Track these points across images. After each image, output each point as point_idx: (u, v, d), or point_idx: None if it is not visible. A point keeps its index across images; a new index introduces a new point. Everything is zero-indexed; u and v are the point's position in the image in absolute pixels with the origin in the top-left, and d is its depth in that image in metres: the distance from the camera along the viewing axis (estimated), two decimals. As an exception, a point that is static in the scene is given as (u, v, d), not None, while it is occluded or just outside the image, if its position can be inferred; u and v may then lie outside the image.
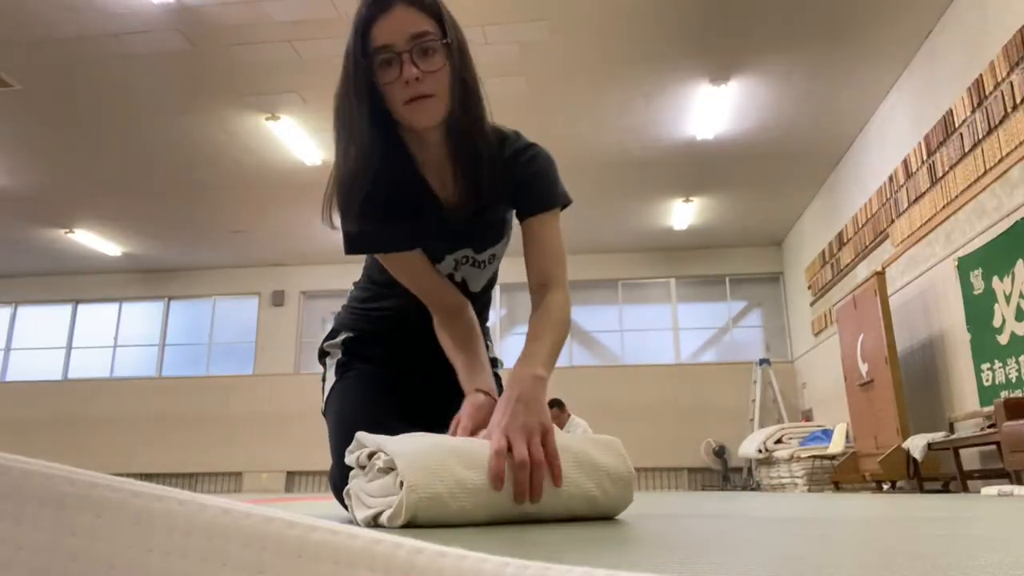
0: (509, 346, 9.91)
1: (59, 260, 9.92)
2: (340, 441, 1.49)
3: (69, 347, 10.62)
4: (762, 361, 9.15)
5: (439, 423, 1.46)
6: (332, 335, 1.73)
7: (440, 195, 1.40)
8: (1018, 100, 4.14)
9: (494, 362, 1.73)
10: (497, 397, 1.33)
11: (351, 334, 1.68)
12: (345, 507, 1.42)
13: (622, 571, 0.24)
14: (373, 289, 1.68)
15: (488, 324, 1.81)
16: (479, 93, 1.32)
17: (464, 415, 1.29)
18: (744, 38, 5.28)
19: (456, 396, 1.56)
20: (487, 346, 1.73)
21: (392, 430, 1.29)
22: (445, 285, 1.47)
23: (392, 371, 1.64)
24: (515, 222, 1.51)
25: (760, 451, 7.14)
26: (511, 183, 1.41)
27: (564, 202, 1.47)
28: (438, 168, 1.38)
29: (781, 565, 0.53)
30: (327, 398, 1.66)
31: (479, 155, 1.33)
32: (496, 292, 10.01)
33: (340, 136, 1.29)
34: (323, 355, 1.74)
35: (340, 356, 1.68)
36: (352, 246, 1.38)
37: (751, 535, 0.74)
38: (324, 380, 1.72)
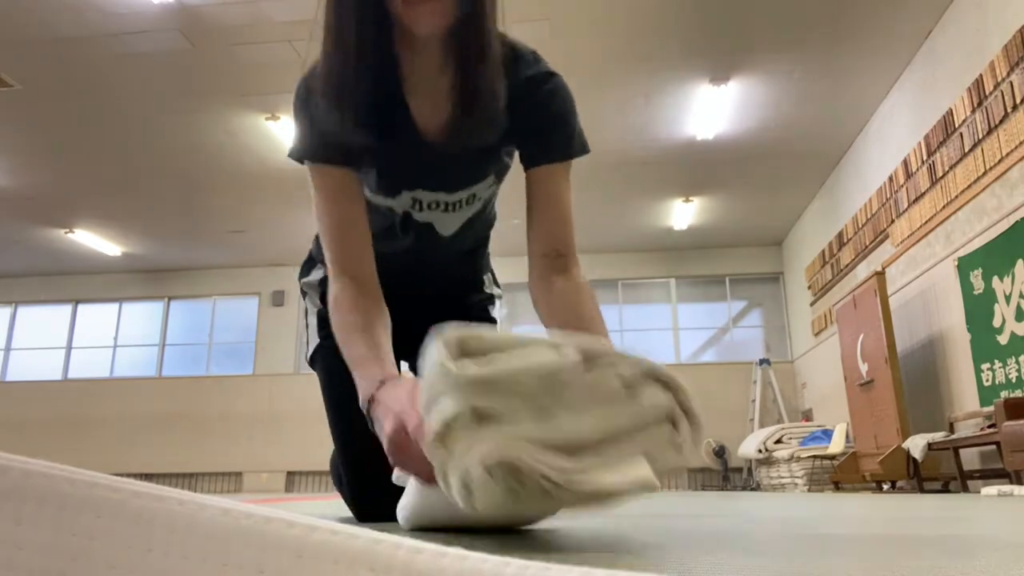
0: (509, 346, 9.92)
1: (59, 260, 9.92)
2: (342, 427, 1.41)
3: (69, 347, 10.62)
4: (762, 361, 9.15)
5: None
6: (307, 267, 1.56)
7: (421, 124, 1.18)
8: (1018, 100, 4.14)
9: (491, 298, 1.59)
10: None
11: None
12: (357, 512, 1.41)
13: (620, 571, 0.24)
14: None
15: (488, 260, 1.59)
16: (485, 21, 1.10)
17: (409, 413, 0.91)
18: (744, 38, 5.28)
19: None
20: (489, 280, 1.59)
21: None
22: (367, 249, 1.18)
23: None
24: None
25: (760, 451, 7.14)
26: (522, 118, 1.17)
27: (584, 151, 1.25)
28: (429, 91, 1.16)
29: (781, 565, 0.53)
30: (312, 354, 1.52)
31: (483, 79, 1.11)
32: (496, 292, 9.82)
33: (324, 34, 1.11)
34: (303, 293, 1.58)
35: (320, 306, 1.50)
36: (300, 149, 1.19)
37: (751, 535, 0.74)
38: (307, 326, 1.55)
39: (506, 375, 0.64)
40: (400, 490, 1.14)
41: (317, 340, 1.49)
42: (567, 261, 1.20)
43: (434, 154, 1.18)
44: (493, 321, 1.57)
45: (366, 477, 1.34)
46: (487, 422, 0.63)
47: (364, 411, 1.02)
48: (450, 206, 1.28)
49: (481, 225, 1.40)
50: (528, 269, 1.22)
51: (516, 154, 1.27)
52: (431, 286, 1.47)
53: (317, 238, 1.50)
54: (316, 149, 1.17)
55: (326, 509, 2.07)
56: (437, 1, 1.02)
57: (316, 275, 1.50)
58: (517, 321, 9.99)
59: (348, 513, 1.48)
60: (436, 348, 0.66)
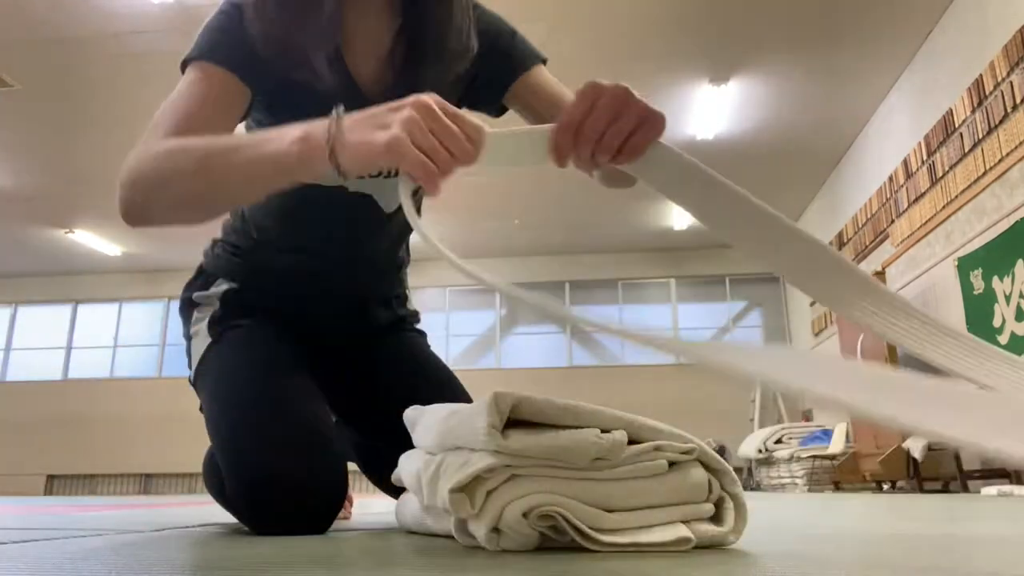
0: (509, 346, 9.91)
1: (59, 260, 9.92)
2: (232, 414, 1.11)
3: (69, 347, 10.62)
4: (762, 361, 9.13)
5: (358, 384, 1.28)
6: (203, 281, 1.33)
7: (357, 77, 1.07)
8: (1018, 100, 4.14)
9: (414, 317, 1.47)
10: None
11: (233, 285, 1.28)
12: (252, 526, 1.08)
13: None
14: (267, 233, 1.26)
15: (406, 266, 1.46)
16: None
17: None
18: (744, 38, 5.28)
19: (369, 348, 1.32)
20: (406, 299, 1.45)
21: (304, 387, 1.12)
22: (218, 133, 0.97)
23: (288, 323, 1.26)
24: None
25: (760, 451, 7.13)
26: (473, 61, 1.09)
27: (544, 58, 1.18)
28: (368, 43, 1.07)
29: (781, 565, 0.53)
30: (198, 368, 1.26)
31: (428, 31, 1.03)
32: (496, 292, 9.93)
33: None
34: (189, 306, 1.34)
35: (216, 310, 1.28)
36: (193, 50, 1.04)
37: (750, 535, 0.74)
38: (190, 339, 1.32)
39: (550, 453, 0.65)
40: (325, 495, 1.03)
41: (208, 341, 1.25)
42: None
43: (368, 104, 1.10)
44: (423, 335, 1.48)
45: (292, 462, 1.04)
46: (522, 479, 0.66)
47: (310, 151, 0.77)
48: (390, 170, 1.14)
49: (407, 231, 1.31)
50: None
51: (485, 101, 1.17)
52: (355, 290, 1.34)
53: (214, 244, 1.34)
54: (214, 48, 1.01)
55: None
56: None
57: (217, 288, 1.31)
58: (516, 321, 9.99)
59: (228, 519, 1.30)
60: (488, 409, 0.67)
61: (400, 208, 1.16)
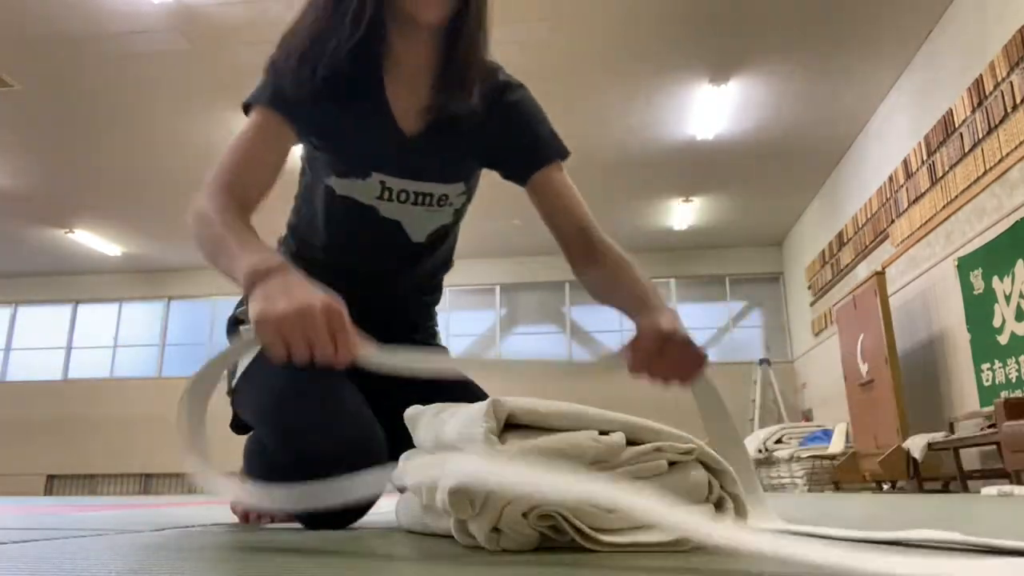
0: (509, 346, 9.91)
1: (59, 260, 9.92)
2: (276, 414, 1.19)
3: (69, 347, 10.62)
4: (762, 361, 9.15)
5: (390, 391, 1.30)
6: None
7: (396, 111, 1.19)
8: (1018, 100, 4.14)
9: (443, 349, 1.55)
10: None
11: None
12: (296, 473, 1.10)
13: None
14: (309, 245, 1.36)
15: (437, 313, 1.55)
16: (482, 14, 1.15)
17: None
18: (744, 38, 5.28)
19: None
20: (435, 334, 1.50)
21: (346, 396, 1.16)
22: (260, 193, 1.15)
23: None
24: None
25: (760, 451, 7.13)
26: (498, 125, 1.21)
27: (567, 154, 1.28)
28: (410, 79, 1.19)
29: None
30: (243, 373, 1.33)
31: (468, 73, 1.14)
32: (496, 292, 10.01)
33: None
34: (236, 323, 1.42)
35: None
36: (252, 95, 1.17)
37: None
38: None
39: (546, 457, 0.66)
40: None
41: (257, 347, 1.26)
42: (591, 233, 1.24)
43: (405, 140, 1.20)
44: (444, 348, 1.54)
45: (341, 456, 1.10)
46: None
47: (244, 276, 0.94)
48: (421, 198, 1.25)
49: (443, 253, 1.40)
50: (567, 261, 1.27)
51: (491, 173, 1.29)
52: (385, 321, 1.37)
53: None
54: (266, 93, 1.16)
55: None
56: None
57: None
58: (516, 321, 9.99)
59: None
60: (486, 415, 0.68)
61: (428, 241, 1.30)
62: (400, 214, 1.26)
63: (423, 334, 1.48)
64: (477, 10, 1.14)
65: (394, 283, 1.37)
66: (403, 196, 1.24)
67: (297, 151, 1.26)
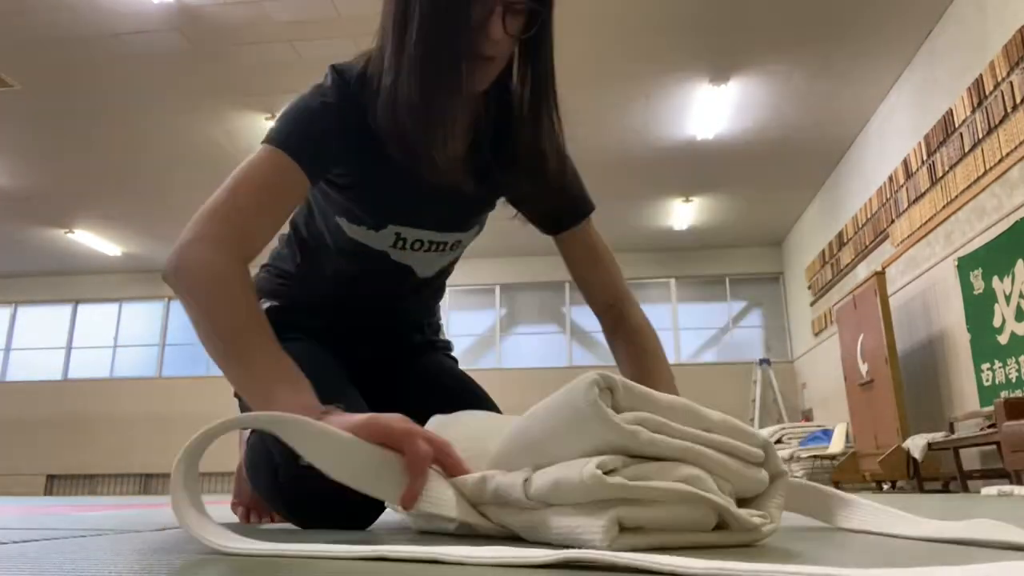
0: (509, 346, 9.92)
1: (59, 260, 9.92)
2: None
3: (69, 347, 10.62)
4: (762, 361, 9.15)
5: (392, 392, 1.33)
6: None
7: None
8: (1018, 100, 4.14)
9: (447, 344, 1.56)
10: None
11: (276, 303, 1.34)
12: (298, 515, 1.14)
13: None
14: (306, 256, 1.32)
15: (439, 313, 1.57)
16: (551, 78, 1.12)
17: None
18: (744, 38, 5.28)
19: (403, 366, 1.39)
20: (438, 328, 1.54)
21: (352, 401, 1.14)
22: (263, 244, 1.07)
23: (327, 341, 1.31)
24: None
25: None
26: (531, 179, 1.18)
27: (592, 209, 1.29)
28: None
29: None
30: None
31: (521, 150, 1.11)
32: (496, 292, 9.99)
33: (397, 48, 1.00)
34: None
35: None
36: (283, 138, 1.06)
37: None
38: None
39: (663, 523, 0.63)
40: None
41: None
42: (623, 307, 1.25)
43: (430, 192, 1.14)
44: (455, 360, 1.54)
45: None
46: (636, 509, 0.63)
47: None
48: (435, 246, 1.23)
49: (445, 278, 1.41)
50: (598, 316, 1.29)
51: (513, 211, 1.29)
52: (389, 327, 1.41)
53: (261, 268, 1.40)
54: (289, 137, 1.06)
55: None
56: (493, 63, 1.04)
57: (262, 306, 1.35)
58: (516, 321, 9.99)
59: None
60: (591, 382, 0.62)
61: (434, 276, 1.31)
62: (411, 260, 1.25)
63: (428, 332, 1.49)
64: (536, 75, 1.11)
65: (396, 307, 1.38)
66: (417, 245, 1.22)
67: None
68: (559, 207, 1.24)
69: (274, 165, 1.06)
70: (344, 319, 1.33)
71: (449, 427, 0.92)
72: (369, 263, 1.23)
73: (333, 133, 1.06)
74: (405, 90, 1.00)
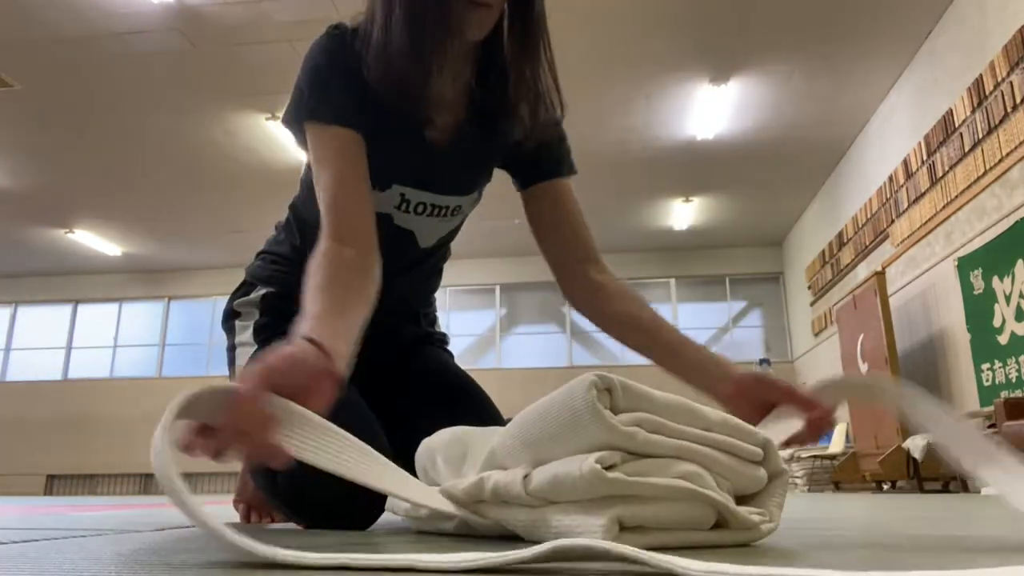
0: (509, 346, 9.92)
1: (59, 260, 9.92)
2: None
3: (69, 347, 10.62)
4: (762, 361, 9.15)
5: (392, 391, 1.32)
6: (245, 289, 1.38)
7: (429, 123, 1.17)
8: (1018, 100, 4.14)
9: (443, 337, 1.52)
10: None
11: (272, 289, 1.33)
12: (297, 516, 1.14)
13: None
14: (306, 236, 1.30)
15: (435, 301, 1.54)
16: (541, 30, 1.14)
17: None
18: (744, 38, 5.28)
19: (399, 361, 1.37)
20: (435, 320, 1.52)
21: (353, 404, 1.13)
22: (367, 204, 1.09)
23: None
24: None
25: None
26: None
27: (576, 171, 1.30)
28: (445, 94, 1.16)
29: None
30: (244, 368, 1.26)
31: (511, 95, 1.12)
32: (496, 292, 9.99)
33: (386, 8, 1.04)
34: (232, 316, 1.38)
35: (258, 317, 1.33)
36: (306, 109, 1.09)
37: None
38: (234, 349, 1.35)
39: (663, 521, 0.62)
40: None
41: (254, 348, 1.29)
42: (596, 263, 1.23)
43: (433, 152, 1.17)
44: (451, 355, 1.52)
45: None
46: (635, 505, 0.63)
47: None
48: (437, 210, 1.24)
49: (444, 254, 1.40)
50: (558, 280, 1.24)
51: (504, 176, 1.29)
52: (389, 304, 1.37)
53: (257, 256, 1.42)
54: (327, 107, 1.08)
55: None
56: (487, 10, 1.04)
57: (257, 293, 1.35)
58: (516, 321, 9.99)
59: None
60: (590, 383, 0.62)
61: (434, 246, 1.29)
62: (414, 224, 1.25)
63: (424, 323, 1.48)
64: (525, 26, 1.12)
65: (395, 283, 1.37)
66: (420, 208, 1.23)
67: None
68: (541, 154, 1.23)
69: (322, 143, 1.09)
70: None
71: (440, 435, 0.91)
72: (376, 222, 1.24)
73: (345, 76, 1.08)
74: (396, 36, 1.03)
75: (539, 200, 1.25)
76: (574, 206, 1.26)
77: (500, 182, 1.33)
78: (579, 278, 1.22)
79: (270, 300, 1.32)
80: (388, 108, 1.09)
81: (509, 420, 0.77)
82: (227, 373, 1.38)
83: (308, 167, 1.31)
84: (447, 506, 0.77)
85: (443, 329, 1.56)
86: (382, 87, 1.07)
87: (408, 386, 1.38)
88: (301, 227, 1.33)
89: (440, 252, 1.38)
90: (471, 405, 1.36)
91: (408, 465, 1.20)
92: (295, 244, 1.33)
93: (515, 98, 1.13)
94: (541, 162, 1.24)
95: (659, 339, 1.15)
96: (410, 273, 1.35)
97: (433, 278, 1.44)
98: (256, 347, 1.28)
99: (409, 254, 1.29)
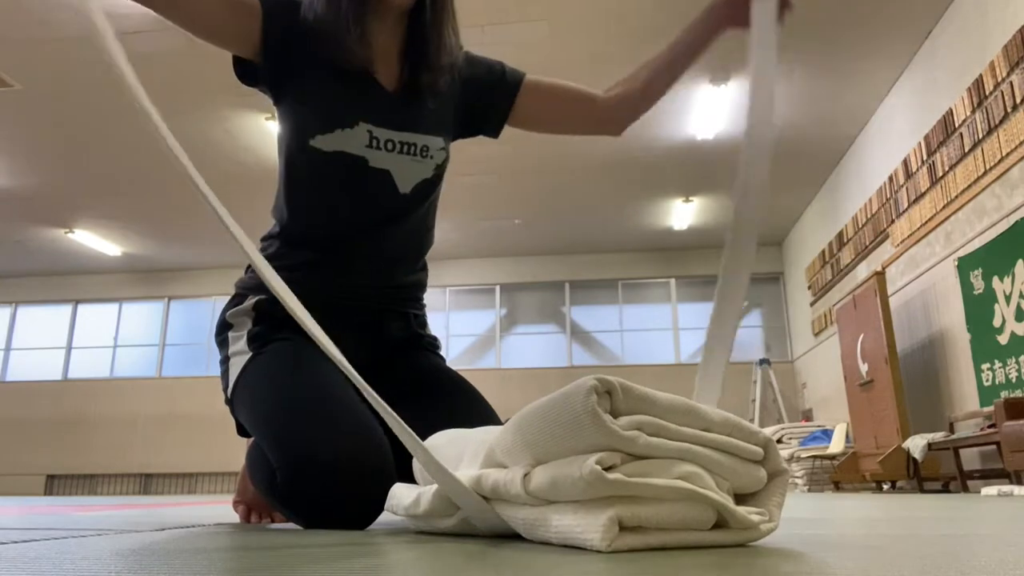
0: (509, 346, 9.92)
1: (59, 260, 9.92)
2: (282, 402, 1.16)
3: (69, 347, 10.62)
4: (762, 361, 9.15)
5: (386, 394, 1.33)
6: (236, 300, 1.39)
7: (378, 76, 1.33)
8: (1018, 100, 4.14)
9: (434, 341, 1.50)
10: None
11: (264, 296, 1.33)
12: (296, 516, 1.14)
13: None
14: (298, 212, 1.35)
15: (424, 306, 1.52)
16: (448, 5, 1.34)
17: None
18: (744, 38, 5.28)
19: (391, 365, 1.37)
20: (425, 323, 1.49)
21: (345, 401, 1.14)
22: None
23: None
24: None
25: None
26: (471, 86, 1.41)
27: (523, 72, 1.48)
28: (386, 55, 1.33)
29: (779, 566, 0.53)
30: (237, 381, 1.28)
31: (432, 53, 1.31)
32: (496, 292, 10.00)
33: None
34: (224, 328, 1.38)
35: (251, 326, 1.33)
36: None
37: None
38: (227, 361, 1.34)
39: (663, 521, 0.62)
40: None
41: (248, 356, 1.30)
42: (597, 92, 1.51)
43: (388, 95, 1.32)
44: (442, 359, 1.50)
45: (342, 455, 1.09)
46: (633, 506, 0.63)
47: None
48: (406, 147, 1.32)
49: (425, 215, 1.41)
50: (596, 131, 1.59)
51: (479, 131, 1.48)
52: (378, 288, 1.38)
53: (247, 269, 1.44)
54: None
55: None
56: None
57: (249, 302, 1.36)
58: (516, 321, 9.98)
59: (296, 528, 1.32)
60: (589, 387, 0.62)
61: (417, 199, 1.35)
62: (389, 163, 1.31)
63: (414, 324, 1.46)
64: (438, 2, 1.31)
65: (382, 244, 1.36)
66: (390, 145, 1.31)
67: (274, 133, 1.33)
68: (490, 93, 1.42)
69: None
70: (330, 289, 1.33)
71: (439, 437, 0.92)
72: (350, 175, 1.30)
73: (295, 14, 1.29)
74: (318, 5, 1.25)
75: (523, 114, 1.44)
76: (547, 85, 1.47)
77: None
78: (601, 112, 1.51)
79: (263, 306, 1.34)
80: (341, 62, 1.27)
81: (507, 420, 0.77)
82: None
83: (282, 167, 1.38)
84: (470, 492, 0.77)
85: (440, 331, 1.55)
86: (314, 33, 1.26)
87: (403, 388, 1.37)
88: (285, 230, 1.37)
89: (424, 207, 1.39)
90: (469, 406, 1.36)
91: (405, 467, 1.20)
92: (281, 250, 1.36)
93: (437, 60, 1.32)
94: (495, 92, 1.42)
95: (657, 69, 1.57)
96: (396, 224, 1.35)
97: (423, 236, 1.43)
98: (250, 354, 1.29)
99: (391, 200, 1.33)
